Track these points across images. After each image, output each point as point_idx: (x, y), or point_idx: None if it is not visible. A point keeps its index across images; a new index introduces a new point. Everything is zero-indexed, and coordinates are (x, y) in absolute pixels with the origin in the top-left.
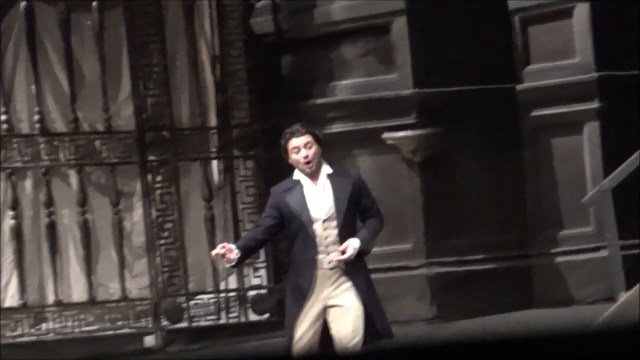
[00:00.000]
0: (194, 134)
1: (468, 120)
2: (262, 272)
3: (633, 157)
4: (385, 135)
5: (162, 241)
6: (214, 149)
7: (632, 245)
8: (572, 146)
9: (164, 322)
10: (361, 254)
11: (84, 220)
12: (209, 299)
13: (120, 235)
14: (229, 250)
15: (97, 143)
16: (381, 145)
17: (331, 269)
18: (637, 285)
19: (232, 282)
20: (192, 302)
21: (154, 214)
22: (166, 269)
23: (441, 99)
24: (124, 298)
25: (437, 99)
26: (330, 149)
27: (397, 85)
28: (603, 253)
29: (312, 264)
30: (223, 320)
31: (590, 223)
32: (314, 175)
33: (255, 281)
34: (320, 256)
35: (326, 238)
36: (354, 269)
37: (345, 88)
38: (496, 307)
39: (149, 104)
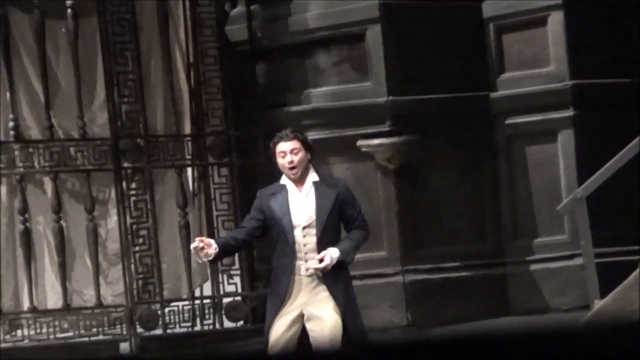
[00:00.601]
0: (168, 142)
1: (442, 128)
2: (237, 279)
3: (607, 165)
4: (360, 142)
5: (137, 248)
6: (188, 157)
7: (606, 253)
8: (547, 154)
9: (139, 329)
10: (342, 263)
11: (59, 227)
12: (184, 306)
13: (94, 242)
14: (208, 244)
15: (72, 150)
16: (356, 152)
17: (308, 276)
18: (612, 293)
19: (207, 289)
20: (166, 309)
21: (129, 221)
22: (141, 275)
23: (416, 107)
24: (99, 305)
25: (412, 106)
26: None
27: (371, 93)
28: (578, 261)
29: (290, 269)
30: (198, 328)
31: (565, 231)
32: (299, 182)
33: (230, 288)
34: (299, 262)
35: (305, 245)
36: (333, 278)
37: (319, 96)
38: (471, 315)
39: (123, 111)
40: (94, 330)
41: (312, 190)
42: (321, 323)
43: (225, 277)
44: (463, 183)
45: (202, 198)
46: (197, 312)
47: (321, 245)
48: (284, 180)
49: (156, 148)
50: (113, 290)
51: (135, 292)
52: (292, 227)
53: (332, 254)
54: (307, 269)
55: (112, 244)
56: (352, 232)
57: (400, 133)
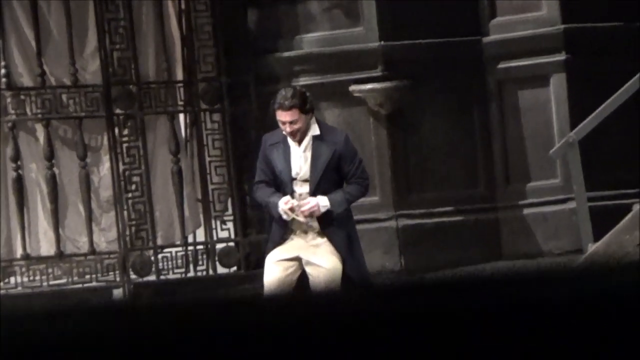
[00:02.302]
0: (160, 88)
1: (434, 73)
2: (230, 225)
3: (600, 109)
4: (352, 88)
5: (130, 195)
6: (180, 103)
7: (599, 196)
8: (539, 99)
9: (132, 276)
10: (331, 213)
11: (51, 175)
12: (177, 252)
13: (87, 189)
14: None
15: (64, 97)
16: (348, 98)
17: (304, 230)
18: (605, 237)
19: (200, 235)
20: (159, 256)
21: (121, 167)
22: (134, 222)
23: (407, 52)
24: (92, 252)
25: (404, 51)
26: None
27: (363, 38)
28: (570, 205)
29: (287, 220)
30: (191, 274)
31: (558, 175)
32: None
33: (223, 234)
34: (296, 212)
35: (301, 196)
36: (331, 227)
37: (311, 41)
38: (464, 260)
39: (115, 58)
40: (87, 277)
41: (311, 144)
42: (318, 268)
43: (218, 223)
44: (455, 128)
45: (194, 144)
46: (190, 259)
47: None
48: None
49: (148, 95)
50: (106, 237)
51: (128, 238)
52: (290, 180)
53: (320, 201)
54: (302, 220)
55: (105, 191)
56: (348, 186)
57: (392, 78)
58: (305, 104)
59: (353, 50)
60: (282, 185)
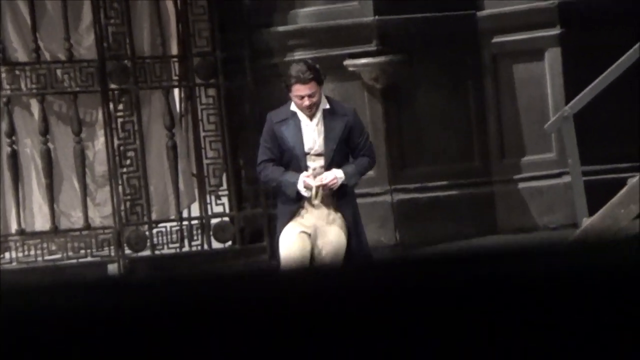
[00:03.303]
0: (155, 63)
1: (429, 47)
2: (225, 200)
3: (595, 82)
4: (347, 62)
5: (124, 170)
6: (175, 78)
7: (594, 171)
8: (534, 73)
9: (127, 251)
10: (345, 186)
11: (46, 150)
12: (172, 227)
13: (82, 164)
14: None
15: (59, 72)
16: (342, 72)
17: (317, 204)
18: (600, 211)
19: (195, 210)
20: (154, 231)
21: (116, 142)
22: (128, 197)
23: (402, 26)
24: (87, 227)
25: (398, 26)
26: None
27: (358, 12)
28: (565, 179)
29: (300, 196)
30: (185, 249)
31: (553, 149)
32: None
33: (218, 209)
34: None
35: (314, 170)
36: (340, 201)
37: (306, 15)
38: (459, 234)
39: (109, 32)
40: (82, 252)
41: (322, 118)
42: (327, 242)
43: (213, 198)
44: (450, 102)
45: (189, 119)
46: (185, 233)
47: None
48: (294, 107)
49: (143, 69)
50: (101, 212)
51: (122, 213)
52: (303, 155)
53: (336, 174)
54: (317, 193)
55: (100, 166)
56: (358, 158)
57: (386, 52)
58: (320, 76)
59: (348, 24)
60: (294, 160)
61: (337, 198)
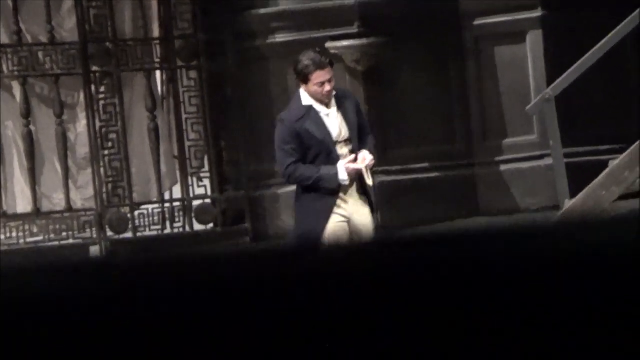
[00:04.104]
0: (137, 45)
1: (411, 30)
2: (207, 182)
3: (576, 65)
4: (329, 44)
5: (106, 152)
6: (157, 60)
7: (576, 153)
8: (516, 55)
9: (109, 233)
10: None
11: (28, 132)
12: (153, 209)
13: (64, 146)
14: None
15: (41, 55)
16: (325, 55)
17: (356, 190)
18: (582, 193)
19: (177, 192)
20: (136, 213)
21: (98, 124)
22: (110, 179)
23: (384, 9)
24: (69, 209)
25: (380, 8)
26: (273, 60)
27: None
28: (547, 161)
29: (346, 184)
30: (167, 231)
31: (534, 131)
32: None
33: (200, 191)
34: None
35: (345, 157)
36: (367, 186)
37: None
38: (441, 216)
39: (91, 15)
40: (64, 234)
41: (336, 105)
42: (361, 228)
43: (194, 180)
44: (432, 84)
45: (171, 101)
46: (167, 215)
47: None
48: (306, 100)
49: (124, 52)
50: (82, 194)
51: (104, 195)
52: (333, 145)
53: (366, 155)
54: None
55: (82, 148)
56: (366, 137)
57: (368, 35)
58: (332, 61)
59: (330, 6)
60: (323, 153)
61: (365, 183)
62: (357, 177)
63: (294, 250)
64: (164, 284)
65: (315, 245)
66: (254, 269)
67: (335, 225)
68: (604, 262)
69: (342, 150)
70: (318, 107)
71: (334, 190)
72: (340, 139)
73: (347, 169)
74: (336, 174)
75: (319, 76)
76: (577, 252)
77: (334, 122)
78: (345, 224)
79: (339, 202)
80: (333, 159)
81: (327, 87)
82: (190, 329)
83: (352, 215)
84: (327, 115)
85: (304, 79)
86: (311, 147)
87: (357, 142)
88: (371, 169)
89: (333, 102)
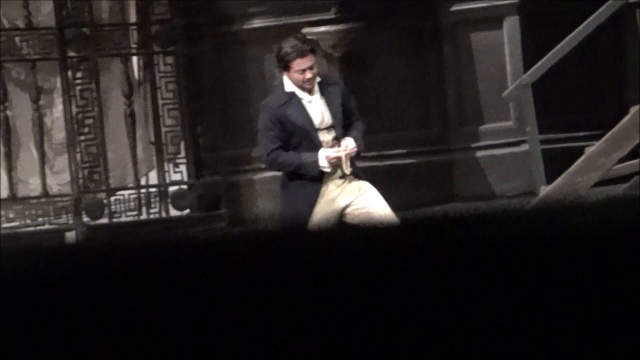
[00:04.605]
0: (114, 30)
1: (388, 15)
2: (183, 167)
3: (553, 51)
4: (306, 30)
5: (83, 137)
6: (134, 45)
7: (552, 139)
8: (492, 41)
9: (85, 218)
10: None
11: (4, 117)
12: (130, 194)
13: (40, 131)
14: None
15: (17, 40)
16: (307, 41)
17: (341, 177)
18: (558, 179)
19: (153, 177)
20: (112, 198)
21: (74, 110)
22: (86, 165)
23: None
24: (45, 194)
25: None
26: (250, 46)
27: None
28: (523, 147)
29: (323, 173)
30: (144, 216)
31: (511, 117)
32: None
33: (176, 177)
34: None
35: (327, 143)
36: (357, 169)
37: None
38: (417, 202)
39: (68, 0)
40: (40, 219)
41: (319, 91)
42: (370, 196)
43: (171, 165)
44: (408, 70)
45: (148, 87)
46: (143, 201)
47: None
48: (289, 87)
49: (102, 37)
50: (59, 180)
51: (81, 181)
52: (315, 131)
53: (349, 141)
54: (347, 162)
55: (58, 133)
56: (355, 123)
57: (345, 20)
58: (315, 48)
59: None
60: (305, 140)
61: (354, 166)
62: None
63: (275, 235)
64: (140, 270)
65: (300, 231)
66: (235, 253)
67: (319, 214)
68: (581, 247)
69: (325, 137)
70: (300, 93)
71: (317, 177)
72: (322, 126)
73: (327, 156)
74: (316, 160)
75: (299, 63)
76: (551, 237)
77: (317, 109)
78: (334, 211)
79: (333, 193)
80: (315, 145)
81: (308, 75)
82: (169, 315)
83: (341, 199)
84: (310, 102)
85: (285, 66)
86: (293, 134)
87: (341, 129)
88: (358, 155)
89: (317, 88)
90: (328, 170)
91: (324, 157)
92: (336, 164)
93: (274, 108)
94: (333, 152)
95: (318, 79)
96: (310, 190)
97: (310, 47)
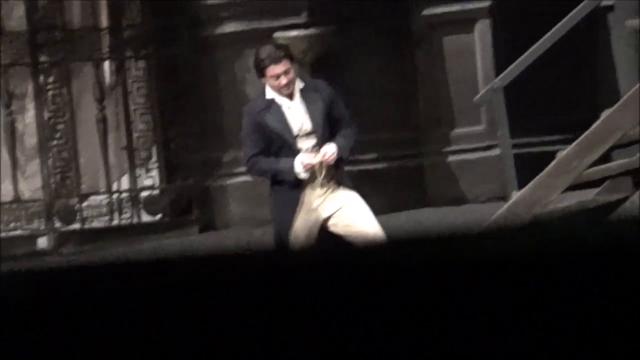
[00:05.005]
0: (85, 35)
1: (360, 20)
2: (154, 172)
3: (524, 55)
4: (277, 35)
5: (54, 142)
6: (105, 50)
7: (523, 143)
8: (464, 45)
9: (57, 224)
10: (339, 161)
11: None
12: (102, 200)
13: (12, 136)
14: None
15: None
16: (282, 47)
17: (321, 185)
18: (529, 184)
19: (125, 183)
20: (84, 204)
21: (46, 115)
22: (58, 170)
23: None
24: (17, 199)
25: None
26: (222, 50)
27: None
28: (495, 152)
29: (299, 180)
30: (116, 221)
31: (482, 122)
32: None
33: (148, 182)
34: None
35: (307, 150)
36: (343, 177)
37: None
38: (389, 206)
39: (40, 4)
40: (12, 225)
41: (301, 97)
42: (353, 209)
43: (143, 170)
44: (380, 74)
45: (120, 91)
46: (115, 206)
47: None
48: (270, 94)
49: (73, 42)
50: (30, 185)
51: (53, 186)
52: (293, 138)
53: (330, 147)
54: (321, 170)
55: (30, 138)
56: (343, 130)
57: (316, 25)
58: (291, 53)
59: None
60: (285, 146)
61: (338, 173)
62: (331, 170)
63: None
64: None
65: (284, 241)
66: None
67: (299, 224)
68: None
69: (304, 143)
70: (280, 100)
71: (297, 184)
72: (301, 133)
73: (301, 162)
74: (292, 167)
75: (274, 69)
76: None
77: (296, 115)
78: (315, 221)
79: (315, 202)
80: (294, 152)
81: (284, 80)
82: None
83: (322, 209)
84: (289, 108)
85: (261, 73)
86: (273, 140)
87: (322, 135)
88: (340, 163)
89: (297, 94)
90: (304, 177)
91: (299, 164)
92: (312, 171)
93: (254, 113)
94: (307, 159)
95: (301, 85)
96: (289, 197)
97: (285, 53)
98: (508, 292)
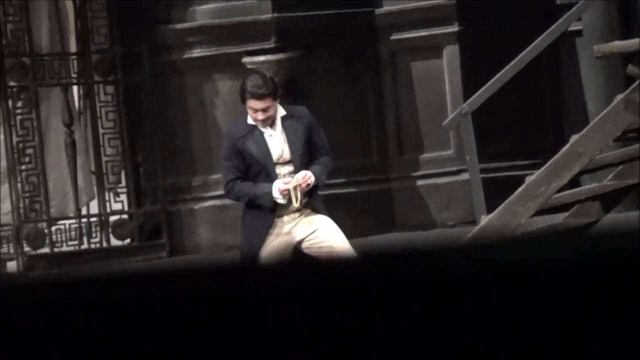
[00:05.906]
0: (53, 60)
1: (327, 44)
2: (123, 197)
3: (493, 80)
4: (245, 59)
5: (23, 167)
6: (74, 75)
7: (492, 168)
8: (432, 69)
9: (26, 248)
10: (315, 187)
11: None
12: (71, 224)
13: None
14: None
15: None
16: (241, 69)
17: (296, 210)
18: (498, 209)
19: (94, 207)
20: (53, 228)
21: (15, 139)
22: (27, 194)
23: (300, 23)
24: None
25: (297, 23)
26: (190, 75)
27: (256, 9)
28: (464, 176)
29: (274, 206)
30: (85, 246)
31: (451, 146)
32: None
33: (117, 206)
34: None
35: (285, 177)
36: (318, 203)
37: (204, 13)
38: (357, 231)
39: (8, 29)
40: None
41: (281, 125)
42: (331, 239)
43: (111, 195)
44: (348, 99)
45: (88, 116)
46: (84, 230)
47: None
48: (251, 120)
49: (41, 66)
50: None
51: (21, 210)
52: (272, 165)
53: (307, 172)
54: (296, 195)
55: None
56: (320, 158)
57: (285, 49)
58: (277, 91)
59: (246, 21)
60: (263, 172)
61: (313, 199)
62: (305, 197)
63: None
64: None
65: (251, 264)
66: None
67: (271, 246)
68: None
69: (282, 170)
70: (262, 127)
71: (271, 209)
72: (280, 160)
73: (278, 188)
74: (269, 192)
75: (254, 104)
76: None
77: (276, 143)
78: (287, 244)
79: (287, 227)
80: (272, 178)
81: (260, 116)
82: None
83: (295, 233)
84: (270, 135)
85: (243, 101)
86: (252, 165)
87: (300, 163)
88: (315, 189)
89: (279, 122)
90: (282, 201)
91: (276, 189)
92: (288, 196)
93: (235, 138)
94: (283, 184)
95: (283, 113)
96: (263, 221)
97: (269, 92)
98: (485, 307)
